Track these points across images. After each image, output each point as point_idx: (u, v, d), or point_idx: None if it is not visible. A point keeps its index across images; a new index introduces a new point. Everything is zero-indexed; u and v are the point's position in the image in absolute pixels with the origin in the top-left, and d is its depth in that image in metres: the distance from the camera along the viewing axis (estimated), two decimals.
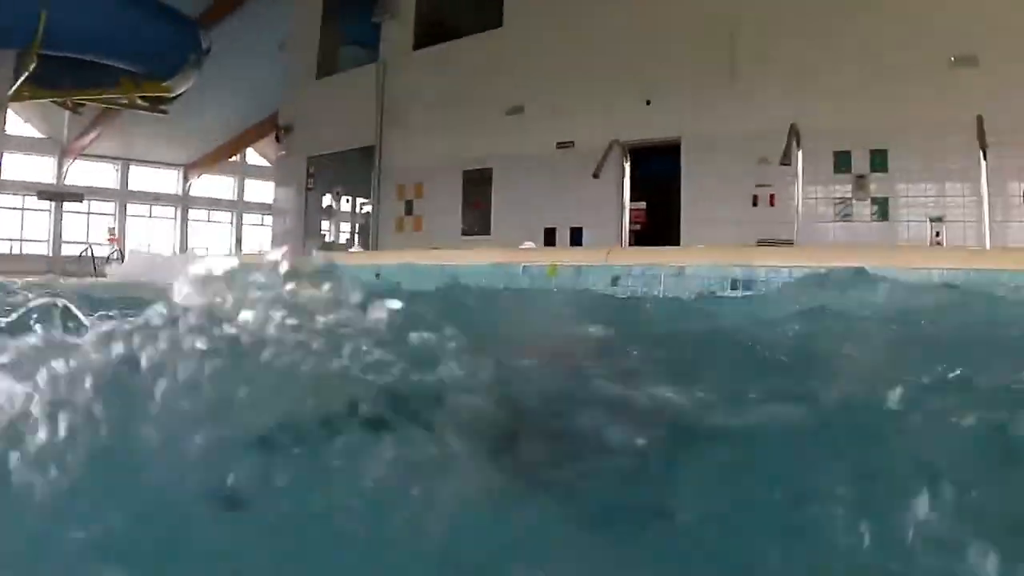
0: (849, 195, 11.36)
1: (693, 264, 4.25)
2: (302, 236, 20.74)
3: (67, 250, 34.43)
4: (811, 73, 11.60)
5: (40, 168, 35.80)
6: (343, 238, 21.42)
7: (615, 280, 4.35)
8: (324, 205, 21.50)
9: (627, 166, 9.44)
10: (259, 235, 41.19)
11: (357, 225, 21.74)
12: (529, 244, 10.67)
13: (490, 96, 15.81)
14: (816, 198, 11.38)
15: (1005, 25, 10.36)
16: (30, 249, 34.90)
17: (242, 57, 27.37)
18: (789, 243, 9.10)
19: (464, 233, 16.02)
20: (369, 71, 18.78)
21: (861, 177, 11.22)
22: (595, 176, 9.04)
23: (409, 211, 17.73)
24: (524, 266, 6.53)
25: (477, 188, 16.10)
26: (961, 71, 10.51)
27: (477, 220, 15.94)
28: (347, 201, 21.60)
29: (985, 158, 8.37)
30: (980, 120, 8.43)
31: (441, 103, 16.83)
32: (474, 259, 6.56)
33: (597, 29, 14.25)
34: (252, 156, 43.00)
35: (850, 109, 11.18)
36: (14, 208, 34.05)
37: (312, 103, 20.43)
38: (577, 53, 14.52)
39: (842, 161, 11.38)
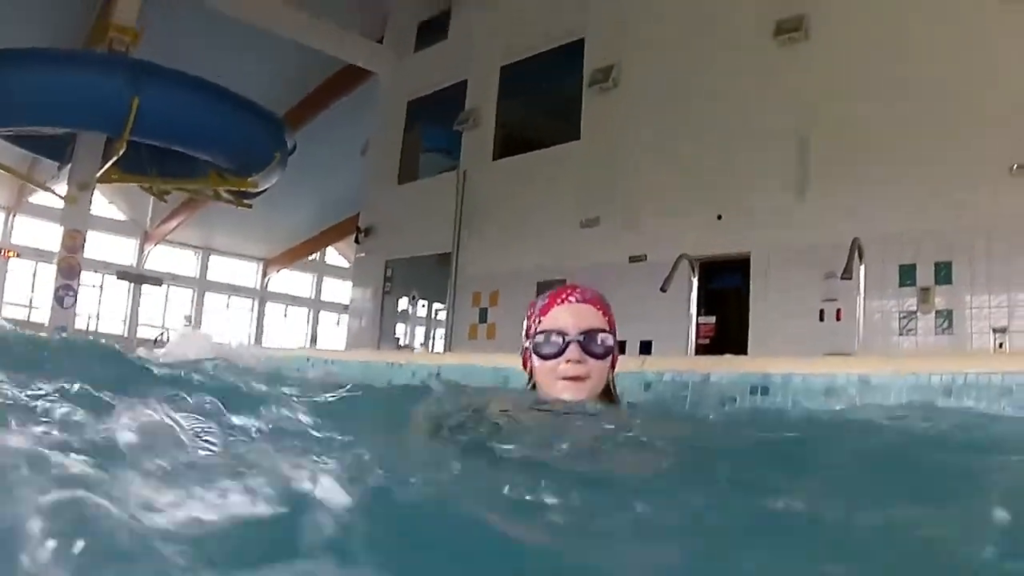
0: (914, 308, 11.34)
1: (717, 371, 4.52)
2: (377, 337, 21.06)
3: (142, 332, 35.11)
4: (877, 188, 11.72)
5: (121, 249, 36.99)
6: (417, 342, 21.59)
7: (647, 386, 4.64)
8: (400, 308, 21.70)
9: (695, 280, 9.62)
10: (334, 334, 41.64)
11: (433, 330, 21.90)
12: None
13: (567, 207, 16.05)
14: (882, 312, 11.40)
15: None
16: (106, 327, 35.51)
17: (325, 158, 28.17)
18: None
19: None
20: (449, 179, 19.17)
21: (925, 290, 11.19)
22: (663, 290, 9.15)
23: (484, 319, 17.83)
24: None
25: None
26: (1023, 179, 10.56)
27: None
28: (423, 305, 21.79)
29: None
30: None
31: (519, 212, 17.17)
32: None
33: (671, 145, 14.57)
34: (331, 255, 43.68)
35: (914, 222, 11.26)
36: (93, 286, 34.60)
37: (392, 207, 20.94)
38: (651, 167, 14.79)
39: (906, 275, 11.40)
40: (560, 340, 2.87)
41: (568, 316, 2.92)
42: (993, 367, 3.68)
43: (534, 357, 2.94)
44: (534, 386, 3.04)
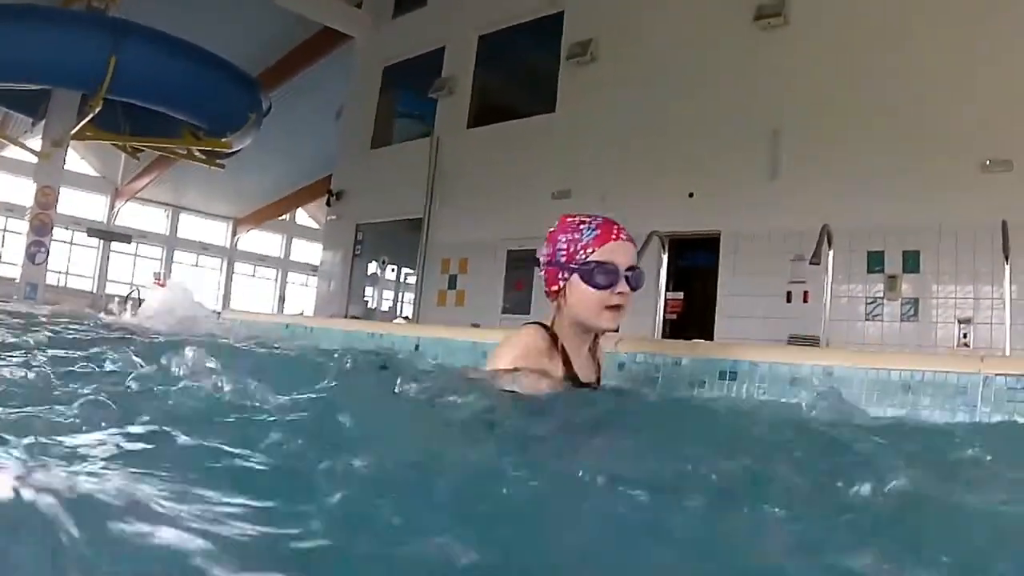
0: (881, 295, 11.50)
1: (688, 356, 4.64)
2: (345, 300, 21.10)
3: (111, 288, 34.81)
4: (849, 174, 11.84)
5: (92, 206, 36.60)
6: (385, 305, 21.60)
7: (620, 366, 4.73)
8: (369, 272, 21.73)
9: (664, 257, 9.65)
10: (302, 295, 41.54)
11: (402, 295, 21.91)
12: None
13: (539, 178, 16.09)
14: (849, 297, 11.51)
15: None
16: (75, 284, 35.43)
17: (298, 120, 27.94)
18: (816, 339, 9.30)
19: (504, 311, 16.15)
20: (423, 145, 19.22)
21: (893, 277, 11.35)
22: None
23: (452, 285, 17.90)
24: None
25: (520, 268, 16.15)
26: (995, 175, 10.71)
27: (518, 300, 15.95)
28: (392, 270, 21.78)
29: (1007, 262, 8.53)
30: (1004, 225, 8.60)
31: (491, 181, 17.25)
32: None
33: (646, 121, 14.62)
34: (301, 216, 43.53)
35: (885, 210, 11.35)
36: (63, 242, 34.33)
37: (365, 172, 20.95)
38: (625, 143, 14.86)
39: (874, 261, 11.55)
40: (615, 273, 3.17)
41: (621, 252, 3.22)
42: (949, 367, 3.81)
43: (579, 282, 3.21)
44: (558, 306, 3.32)
